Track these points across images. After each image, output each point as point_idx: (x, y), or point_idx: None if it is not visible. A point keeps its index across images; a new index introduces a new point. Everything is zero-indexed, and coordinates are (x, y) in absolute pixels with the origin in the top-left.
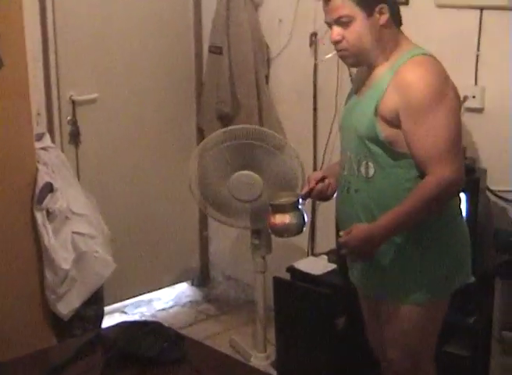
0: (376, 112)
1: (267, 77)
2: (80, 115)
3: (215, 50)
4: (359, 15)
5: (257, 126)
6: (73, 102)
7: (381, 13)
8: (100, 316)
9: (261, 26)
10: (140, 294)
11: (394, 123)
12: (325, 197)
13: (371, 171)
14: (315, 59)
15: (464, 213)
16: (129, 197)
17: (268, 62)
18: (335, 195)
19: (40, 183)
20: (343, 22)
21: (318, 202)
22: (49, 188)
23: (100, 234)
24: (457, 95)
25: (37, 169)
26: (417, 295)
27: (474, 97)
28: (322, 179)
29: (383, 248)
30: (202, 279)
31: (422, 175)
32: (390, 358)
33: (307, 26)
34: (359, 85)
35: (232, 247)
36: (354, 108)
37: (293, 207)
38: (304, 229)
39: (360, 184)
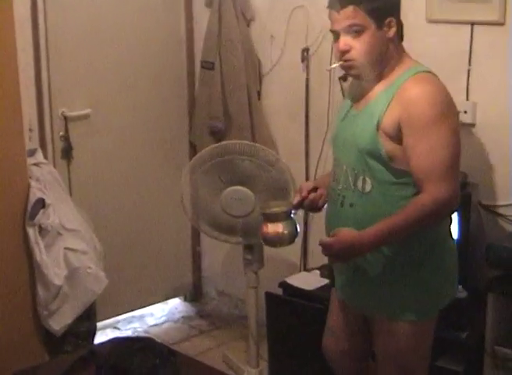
0: (378, 126)
1: (259, 93)
2: (72, 131)
3: (207, 65)
4: (370, 25)
5: (250, 141)
6: (65, 118)
7: (390, 26)
8: (92, 332)
9: (253, 42)
10: (133, 310)
11: (396, 138)
12: (316, 207)
13: (368, 187)
14: (307, 74)
15: (454, 232)
16: (121, 212)
17: (260, 77)
18: (325, 207)
19: (33, 199)
20: (354, 31)
21: (310, 216)
22: (41, 204)
23: (92, 250)
24: (458, 115)
25: (29, 185)
26: (412, 312)
27: (465, 112)
28: (314, 189)
29: (376, 264)
30: (195, 294)
31: (419, 193)
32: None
33: (298, 41)
34: (356, 99)
35: (225, 262)
36: (353, 122)
37: (286, 216)
38: (296, 239)
39: (355, 199)
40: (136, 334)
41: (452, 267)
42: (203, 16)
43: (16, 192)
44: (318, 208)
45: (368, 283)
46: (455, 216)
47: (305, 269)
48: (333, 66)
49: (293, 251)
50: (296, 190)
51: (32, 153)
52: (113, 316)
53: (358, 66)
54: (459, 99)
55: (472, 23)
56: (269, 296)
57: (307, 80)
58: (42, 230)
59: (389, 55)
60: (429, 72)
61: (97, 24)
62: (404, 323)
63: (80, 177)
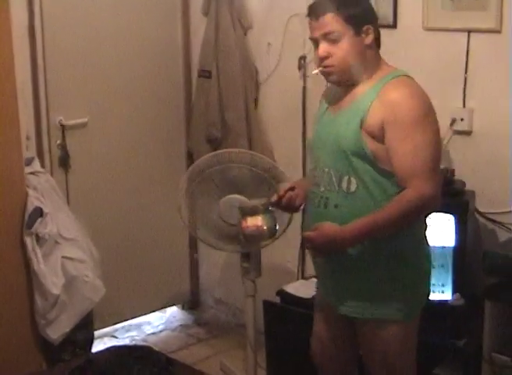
0: (361, 126)
1: (256, 101)
2: (69, 139)
3: (204, 74)
4: (347, 32)
5: (247, 149)
6: (63, 127)
7: (367, 33)
8: (90, 341)
9: (250, 50)
10: (130, 318)
11: (378, 138)
12: (293, 207)
13: (353, 187)
14: (304, 82)
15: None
16: (118, 221)
17: (257, 85)
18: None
19: (30, 207)
20: (331, 38)
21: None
22: (39, 213)
23: (90, 259)
24: (436, 118)
25: (26, 194)
26: (397, 312)
27: (462, 119)
28: (291, 189)
29: (360, 266)
30: (192, 303)
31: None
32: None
33: (295, 49)
34: (333, 102)
35: (223, 270)
36: (332, 124)
37: (264, 209)
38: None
39: (340, 200)
40: (133, 343)
41: (428, 269)
42: (200, 25)
43: (13, 201)
44: (294, 208)
45: (350, 284)
46: (452, 223)
47: (303, 278)
48: (314, 72)
49: (290, 259)
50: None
51: (29, 162)
52: (111, 325)
53: (337, 71)
54: (456, 106)
55: (469, 31)
56: (267, 304)
57: (304, 88)
58: (40, 239)
59: (367, 61)
60: (408, 76)
61: (95, 33)
62: (391, 325)
63: (78, 186)
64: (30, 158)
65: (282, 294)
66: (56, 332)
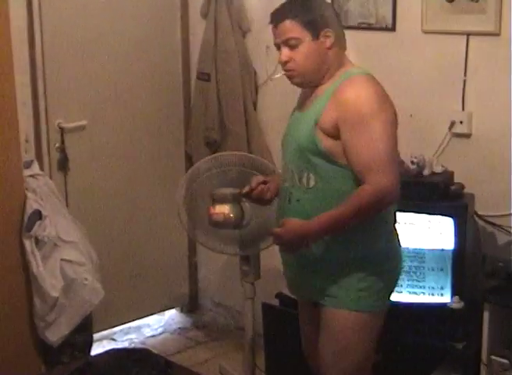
0: (316, 124)
1: (255, 103)
2: (68, 142)
3: (203, 76)
4: (306, 37)
5: (246, 152)
6: (62, 129)
7: (326, 37)
8: (89, 343)
9: (249, 53)
10: (129, 321)
11: (333, 135)
12: (263, 200)
13: (312, 182)
14: None
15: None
16: (117, 224)
17: (256, 88)
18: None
19: (29, 210)
20: (291, 44)
21: None
22: (38, 216)
23: (89, 261)
24: (394, 110)
25: (25, 197)
26: (353, 302)
27: (461, 122)
28: (264, 182)
29: (324, 255)
30: (191, 305)
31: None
32: (325, 363)
33: None
34: (301, 102)
35: (221, 273)
36: (296, 123)
37: (233, 198)
38: (244, 223)
39: (300, 194)
40: (132, 346)
41: (398, 266)
42: (199, 27)
43: (12, 204)
44: (264, 201)
45: (316, 274)
46: (451, 226)
47: None
48: (276, 75)
49: None
50: None
51: (28, 165)
52: (110, 327)
53: (298, 75)
54: (455, 109)
55: (468, 34)
56: (266, 307)
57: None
58: (39, 242)
59: (328, 62)
60: (362, 73)
61: (94, 36)
62: (344, 312)
63: (76, 189)
64: (29, 161)
65: (281, 296)
66: (55, 334)
